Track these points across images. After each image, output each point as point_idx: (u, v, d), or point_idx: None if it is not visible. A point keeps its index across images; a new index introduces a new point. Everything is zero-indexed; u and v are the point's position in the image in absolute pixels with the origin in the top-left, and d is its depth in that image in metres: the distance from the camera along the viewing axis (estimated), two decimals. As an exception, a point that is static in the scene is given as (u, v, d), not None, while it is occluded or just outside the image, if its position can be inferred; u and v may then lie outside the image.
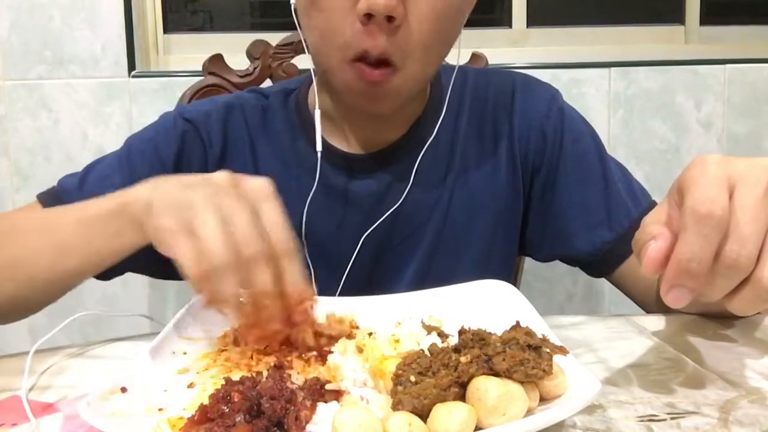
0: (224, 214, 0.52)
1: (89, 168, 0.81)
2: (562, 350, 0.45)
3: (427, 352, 0.44)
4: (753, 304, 0.44)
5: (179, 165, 0.80)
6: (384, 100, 0.71)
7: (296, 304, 0.53)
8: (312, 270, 0.76)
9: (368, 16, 0.64)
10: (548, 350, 0.43)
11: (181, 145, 0.80)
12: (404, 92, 0.72)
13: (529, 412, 0.41)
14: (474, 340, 0.44)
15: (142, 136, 0.83)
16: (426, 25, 0.67)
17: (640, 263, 0.46)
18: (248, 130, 0.83)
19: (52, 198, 0.78)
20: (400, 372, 0.42)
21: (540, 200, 0.83)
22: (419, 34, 0.67)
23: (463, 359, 0.42)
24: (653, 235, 0.45)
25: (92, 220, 0.62)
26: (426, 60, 0.70)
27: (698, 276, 0.43)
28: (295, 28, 0.74)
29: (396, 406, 0.41)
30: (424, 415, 0.40)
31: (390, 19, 0.64)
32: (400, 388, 0.41)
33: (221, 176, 0.55)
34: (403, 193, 0.79)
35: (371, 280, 0.79)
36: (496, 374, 0.41)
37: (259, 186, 0.56)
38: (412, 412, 0.40)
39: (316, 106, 0.77)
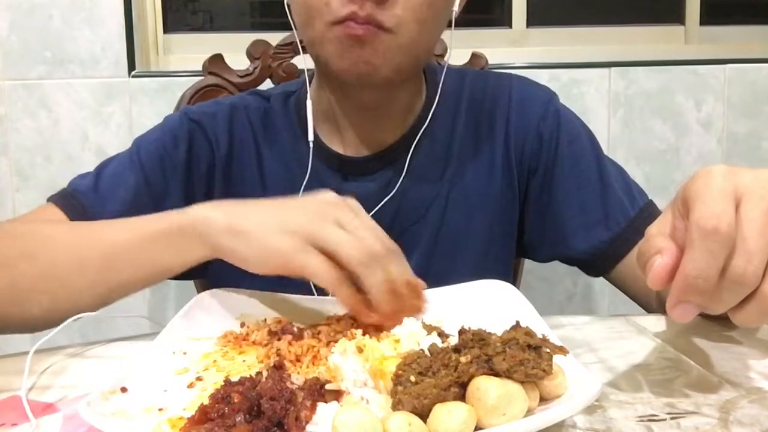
0: (342, 223, 0.56)
1: (101, 168, 0.81)
2: (562, 350, 0.45)
3: (427, 352, 0.44)
4: (758, 317, 0.44)
5: (189, 165, 0.80)
6: (374, 60, 0.69)
7: (407, 293, 0.57)
8: None
9: None
10: (548, 350, 0.43)
11: (189, 145, 0.81)
12: (395, 59, 0.70)
13: (529, 412, 0.41)
14: (474, 340, 0.44)
15: (150, 137, 0.83)
16: None
17: (645, 277, 0.46)
18: (252, 131, 0.83)
19: (67, 200, 0.77)
20: (400, 372, 0.42)
21: (537, 201, 0.83)
22: (411, 5, 0.68)
23: (463, 359, 0.42)
24: (658, 248, 0.45)
25: (153, 235, 0.62)
26: (419, 33, 0.70)
27: (704, 292, 0.42)
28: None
29: (396, 406, 0.41)
30: (424, 415, 0.40)
31: None
32: (400, 388, 0.41)
33: (329, 194, 0.60)
34: (398, 191, 0.79)
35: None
36: (496, 374, 0.41)
37: (354, 202, 0.60)
38: (412, 412, 0.40)
39: (308, 96, 0.77)
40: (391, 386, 0.42)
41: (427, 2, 0.69)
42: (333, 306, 0.64)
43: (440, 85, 0.80)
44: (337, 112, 0.80)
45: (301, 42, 0.76)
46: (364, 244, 0.55)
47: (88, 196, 0.77)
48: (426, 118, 0.80)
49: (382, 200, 0.79)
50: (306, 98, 0.83)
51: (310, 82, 0.82)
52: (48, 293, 0.64)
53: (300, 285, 0.75)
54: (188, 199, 0.79)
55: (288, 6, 0.74)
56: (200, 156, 0.81)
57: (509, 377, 0.41)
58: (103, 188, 0.77)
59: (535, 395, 0.42)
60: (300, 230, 0.56)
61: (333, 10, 0.67)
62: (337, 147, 0.81)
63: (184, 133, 0.81)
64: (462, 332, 0.45)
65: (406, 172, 0.79)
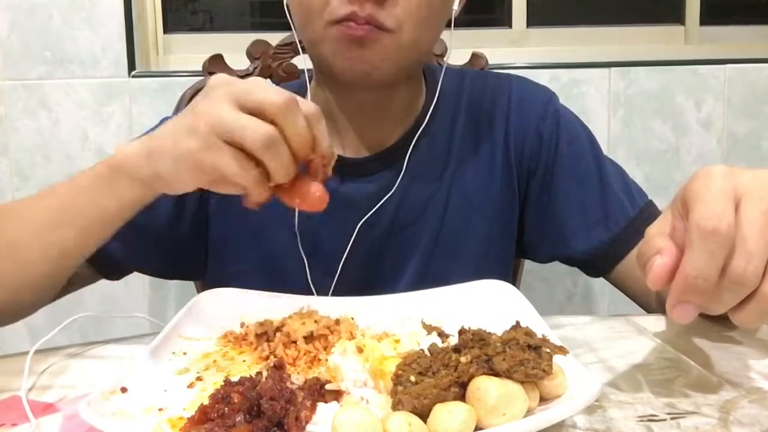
0: (236, 96, 0.51)
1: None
2: (562, 350, 0.45)
3: (427, 352, 0.44)
4: (758, 317, 0.44)
5: None
6: (374, 59, 0.69)
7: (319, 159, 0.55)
8: (307, 265, 0.76)
9: None
10: (548, 350, 0.43)
11: None
12: (396, 59, 0.70)
13: (529, 412, 0.41)
14: (474, 340, 0.44)
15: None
16: None
17: (645, 278, 0.46)
18: None
19: None
20: (400, 372, 0.42)
21: (537, 202, 0.83)
22: (411, 4, 0.67)
23: (463, 359, 0.42)
24: (658, 248, 0.45)
25: (85, 187, 0.60)
26: (418, 33, 0.70)
27: (704, 292, 0.42)
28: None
29: (396, 406, 0.41)
30: (424, 415, 0.40)
31: None
32: (400, 388, 0.41)
33: (215, 76, 0.55)
34: (398, 191, 0.79)
35: (369, 281, 0.79)
36: (496, 374, 0.41)
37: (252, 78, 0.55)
38: (412, 412, 0.40)
39: (308, 97, 0.77)
40: (391, 386, 0.42)
41: (426, 2, 0.68)
42: (333, 306, 0.64)
43: (439, 85, 0.80)
44: (336, 112, 0.80)
45: (300, 42, 0.76)
46: (264, 128, 0.50)
47: None
48: (425, 119, 0.80)
49: (382, 201, 0.79)
50: (306, 99, 0.83)
51: (309, 82, 0.82)
52: (5, 270, 0.63)
53: (301, 285, 0.75)
54: (182, 200, 0.79)
55: (287, 6, 0.74)
56: None
57: (509, 377, 0.41)
58: None
59: (535, 395, 0.42)
60: (202, 124, 0.51)
61: (333, 9, 0.67)
62: (335, 148, 0.81)
63: None
64: (462, 332, 0.45)
65: (405, 173, 0.79)
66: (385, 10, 0.67)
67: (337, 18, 0.67)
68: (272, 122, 0.51)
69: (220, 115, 0.51)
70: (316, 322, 0.59)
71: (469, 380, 0.41)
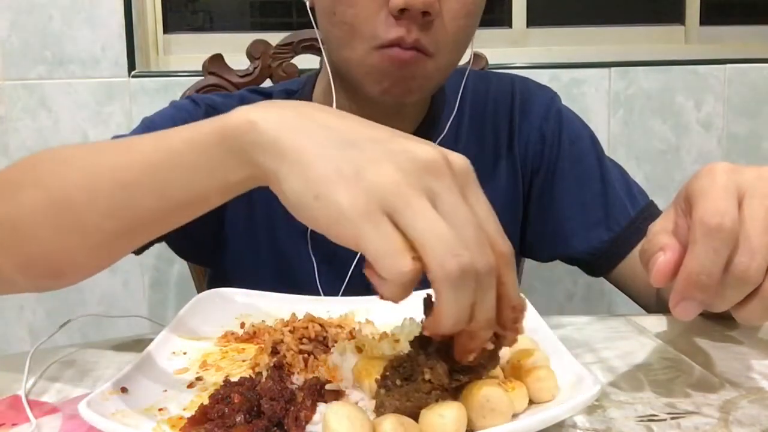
0: (437, 199, 0.38)
1: (116, 136, 0.76)
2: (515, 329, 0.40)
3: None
4: (761, 314, 0.44)
5: None
6: (412, 83, 0.69)
7: (508, 320, 0.40)
8: (316, 267, 0.76)
9: (402, 11, 0.64)
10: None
11: None
12: (432, 82, 0.72)
13: (515, 416, 0.41)
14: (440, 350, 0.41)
15: (163, 115, 0.80)
16: (457, 21, 0.68)
17: (649, 275, 0.46)
18: None
19: None
20: (386, 375, 0.42)
21: (539, 201, 0.83)
22: (451, 29, 0.68)
23: (427, 376, 0.40)
24: (661, 246, 0.45)
25: (182, 150, 0.45)
26: (455, 54, 0.71)
27: (708, 289, 0.42)
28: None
29: (378, 410, 0.41)
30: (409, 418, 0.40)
31: (425, 14, 0.65)
32: (382, 391, 0.41)
33: (429, 148, 0.39)
34: None
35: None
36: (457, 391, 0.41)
37: (463, 163, 0.41)
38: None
39: (334, 105, 0.76)
40: (375, 388, 0.42)
41: (465, 25, 0.69)
42: (333, 306, 0.64)
43: (461, 91, 0.80)
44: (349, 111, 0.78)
45: (322, 42, 0.75)
46: (461, 253, 0.36)
47: None
48: (431, 119, 0.80)
49: None
50: (311, 101, 0.82)
51: (314, 84, 0.82)
52: (51, 226, 0.51)
53: (310, 286, 0.75)
54: None
55: (311, 9, 0.73)
56: None
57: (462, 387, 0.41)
58: None
59: (524, 398, 0.42)
60: (375, 190, 0.37)
61: (379, 34, 0.66)
62: None
63: (201, 114, 0.79)
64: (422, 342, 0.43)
65: None
66: (429, 34, 0.66)
67: (383, 43, 0.66)
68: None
69: (408, 197, 0.37)
70: (310, 339, 0.57)
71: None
